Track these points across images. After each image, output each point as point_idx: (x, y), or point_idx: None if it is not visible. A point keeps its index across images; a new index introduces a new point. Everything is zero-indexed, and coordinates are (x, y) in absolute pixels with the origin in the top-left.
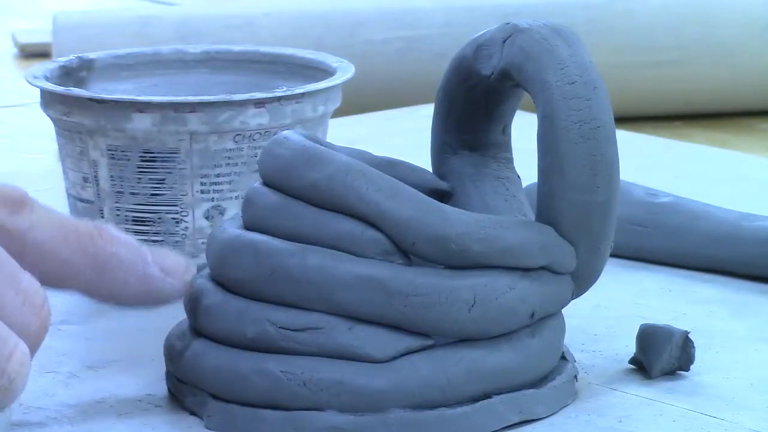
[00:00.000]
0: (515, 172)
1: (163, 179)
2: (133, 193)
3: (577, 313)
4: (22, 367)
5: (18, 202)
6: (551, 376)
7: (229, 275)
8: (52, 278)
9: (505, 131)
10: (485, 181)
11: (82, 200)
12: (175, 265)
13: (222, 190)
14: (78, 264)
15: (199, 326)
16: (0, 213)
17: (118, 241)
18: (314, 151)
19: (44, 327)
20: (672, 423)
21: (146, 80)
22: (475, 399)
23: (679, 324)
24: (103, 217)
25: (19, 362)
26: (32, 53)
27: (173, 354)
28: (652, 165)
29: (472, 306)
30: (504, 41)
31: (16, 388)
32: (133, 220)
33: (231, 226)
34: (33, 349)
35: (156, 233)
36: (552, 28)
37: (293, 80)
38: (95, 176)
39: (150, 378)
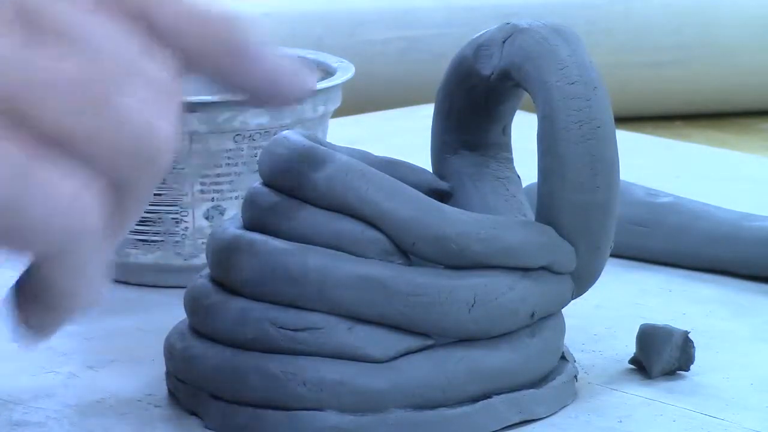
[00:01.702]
0: (515, 172)
1: (163, 179)
2: None
3: (577, 313)
4: (167, 144)
5: None
6: (551, 376)
7: (229, 275)
8: (183, 60)
9: (505, 131)
10: (485, 181)
11: None
12: (300, 71)
13: (222, 190)
14: (212, 47)
15: (199, 326)
16: None
17: (249, 30)
18: (314, 151)
19: (179, 95)
20: (672, 423)
21: None
22: (475, 399)
23: (679, 324)
24: None
25: (164, 139)
26: None
27: (173, 354)
28: (652, 165)
29: (472, 306)
30: (504, 41)
31: (162, 165)
32: None
33: (231, 226)
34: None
35: (156, 233)
36: (552, 28)
37: None
38: None
39: (150, 378)
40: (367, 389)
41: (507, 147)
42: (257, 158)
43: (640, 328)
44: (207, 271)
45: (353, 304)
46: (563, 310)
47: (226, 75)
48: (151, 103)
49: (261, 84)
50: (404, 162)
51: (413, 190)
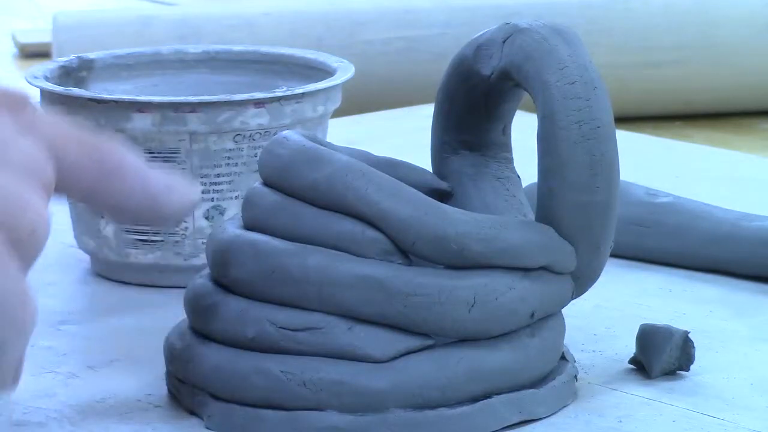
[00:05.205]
0: (515, 172)
1: None
2: None
3: (577, 313)
4: (41, 216)
5: (20, 102)
6: (551, 376)
7: (229, 275)
8: (60, 179)
9: (505, 131)
10: (485, 181)
11: None
12: (179, 184)
13: (222, 190)
14: (82, 167)
15: (199, 326)
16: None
17: (124, 151)
18: (314, 151)
19: (52, 184)
20: (672, 423)
21: (146, 80)
22: (475, 399)
23: (679, 324)
24: (103, 218)
25: (36, 211)
26: (32, 53)
27: (173, 354)
28: (652, 165)
29: (472, 306)
30: (504, 41)
31: (39, 237)
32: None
33: (231, 226)
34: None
35: (156, 233)
36: (552, 28)
37: (293, 80)
38: None
39: (150, 378)
40: (367, 389)
41: (507, 147)
42: (257, 158)
43: (640, 328)
44: (207, 271)
45: (353, 304)
46: (563, 310)
47: (102, 194)
48: (22, 180)
49: (138, 203)
50: (404, 162)
51: (413, 190)
